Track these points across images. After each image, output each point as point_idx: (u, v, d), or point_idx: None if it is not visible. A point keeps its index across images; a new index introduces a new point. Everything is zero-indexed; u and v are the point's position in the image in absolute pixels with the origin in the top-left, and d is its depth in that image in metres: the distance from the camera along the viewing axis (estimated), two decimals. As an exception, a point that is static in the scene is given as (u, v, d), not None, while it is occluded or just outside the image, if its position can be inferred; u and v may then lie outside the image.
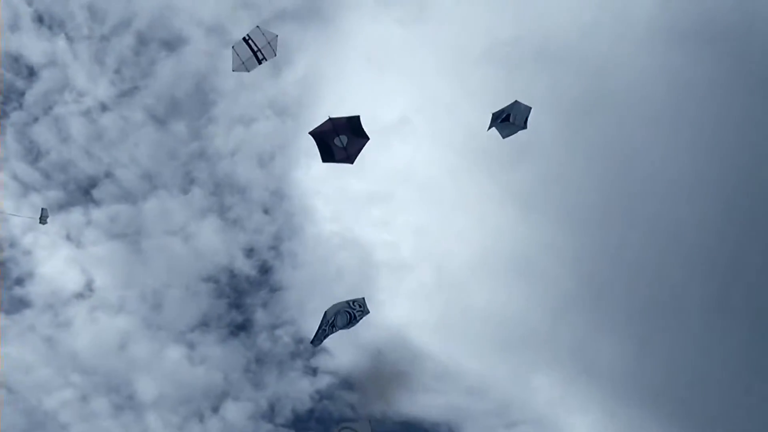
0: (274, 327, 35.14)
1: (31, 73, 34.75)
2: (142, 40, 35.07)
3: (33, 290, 34.04)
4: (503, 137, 25.82)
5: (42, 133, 34.69)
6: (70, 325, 34.23)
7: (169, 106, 35.15)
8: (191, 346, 34.69)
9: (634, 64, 36.64)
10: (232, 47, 24.04)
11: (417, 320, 34.58)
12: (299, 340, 35.20)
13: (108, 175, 34.87)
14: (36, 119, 34.76)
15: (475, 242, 35.75)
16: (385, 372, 33.80)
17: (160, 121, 35.18)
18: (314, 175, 35.51)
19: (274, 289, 35.53)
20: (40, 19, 34.69)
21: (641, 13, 36.87)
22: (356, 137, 23.43)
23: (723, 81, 36.58)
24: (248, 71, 24.60)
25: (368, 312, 24.04)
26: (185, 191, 35.22)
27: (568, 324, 35.49)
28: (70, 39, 34.76)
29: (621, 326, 35.71)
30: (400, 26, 35.60)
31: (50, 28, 34.77)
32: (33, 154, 34.62)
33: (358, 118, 23.10)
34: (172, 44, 35.27)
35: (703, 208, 36.31)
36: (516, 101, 24.81)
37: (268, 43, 24.05)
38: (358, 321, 24.03)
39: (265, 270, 35.53)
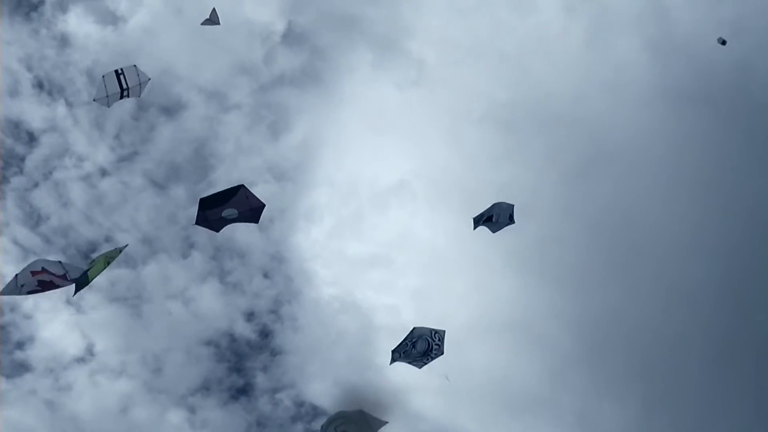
0: (274, 391, 35.03)
1: (32, 138, 34.93)
2: (142, 106, 35.29)
3: (33, 354, 33.88)
4: (493, 233, 25.44)
5: (42, 198, 34.79)
6: (70, 389, 34.09)
7: (168, 171, 35.32)
8: (192, 409, 34.53)
9: (631, 124, 36.92)
10: (102, 77, 22.88)
11: (417, 384, 34.31)
12: (300, 404, 35.09)
13: (108, 239, 34.86)
14: (36, 184, 34.88)
15: (474, 305, 35.69)
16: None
17: (159, 185, 35.36)
18: (314, 239, 35.67)
19: (275, 353, 35.47)
20: (40, 85, 35.00)
21: (637, 73, 37.27)
22: (231, 199, 20.87)
23: (721, 141, 36.80)
24: (108, 106, 23.49)
25: (443, 353, 22.97)
26: (185, 255, 35.32)
27: (569, 386, 35.34)
28: (69, 104, 35.06)
29: (623, 387, 35.55)
30: (397, 90, 36.04)
31: (50, 93, 35.06)
32: (33, 218, 34.69)
33: (201, 200, 20.91)
34: (171, 110, 35.56)
35: (704, 268, 36.33)
36: (497, 202, 24.76)
37: (139, 84, 23.07)
38: (432, 358, 23.02)
39: (265, 334, 35.50)
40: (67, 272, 20.03)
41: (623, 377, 35.64)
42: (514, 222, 24.76)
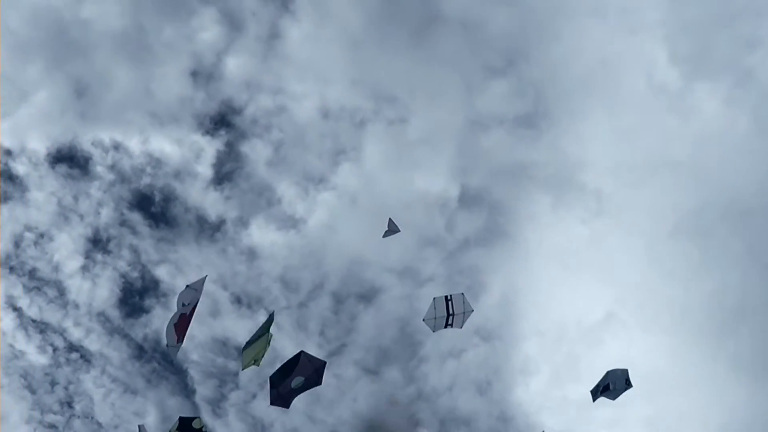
0: None
1: (240, 353, 35.72)
2: (339, 299, 35.95)
3: None
4: (612, 400, 25.41)
5: (262, 408, 35.46)
6: None
7: (378, 355, 35.61)
8: None
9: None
10: (434, 299, 24.07)
11: None
12: None
13: (334, 434, 35.29)
14: (254, 395, 35.63)
15: (712, 421, 34.49)
16: None
17: (372, 372, 35.63)
18: (534, 391, 35.22)
19: None
20: (238, 301, 36.01)
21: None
22: (295, 367, 21.63)
23: None
24: (433, 330, 24.53)
25: None
26: (412, 434, 35.28)
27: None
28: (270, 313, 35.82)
29: None
30: (582, 224, 35.77)
31: (249, 306, 36.00)
32: (258, 429, 35.36)
33: (271, 378, 21.89)
34: (368, 296, 36.01)
35: None
36: (610, 371, 24.89)
37: (463, 312, 24.17)
38: None
39: (507, 498, 35.08)
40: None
41: None
42: (631, 386, 25.03)
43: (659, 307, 35.10)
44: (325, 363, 21.78)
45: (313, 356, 21.66)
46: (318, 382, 22.04)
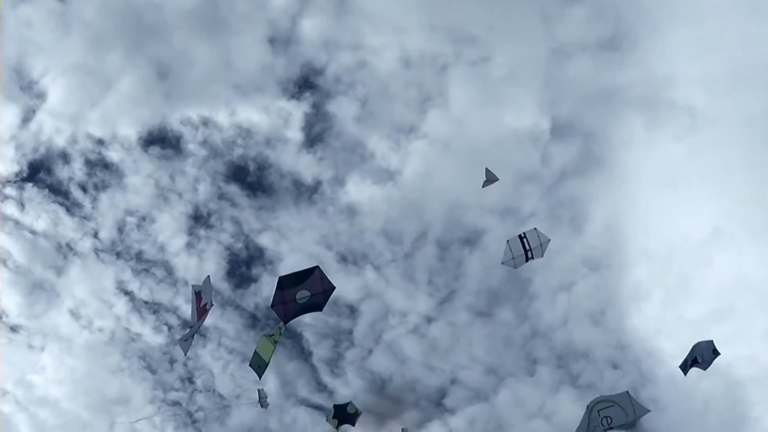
0: (658, 481, 34.16)
1: (352, 310, 36.18)
2: (443, 246, 36.07)
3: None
4: (704, 370, 25.38)
5: (380, 362, 35.85)
6: None
7: (488, 297, 35.69)
8: None
9: None
10: (507, 241, 24.28)
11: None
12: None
13: (454, 381, 35.44)
14: (370, 351, 36.00)
15: (835, 327, 33.98)
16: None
17: (485, 314, 35.75)
18: (648, 316, 34.97)
19: (647, 441, 34.73)
20: (344, 259, 36.41)
21: None
22: (306, 279, 21.45)
23: None
24: (515, 268, 24.68)
25: None
26: (531, 373, 35.33)
27: None
28: (376, 267, 36.09)
29: None
30: (677, 142, 35.28)
31: (355, 263, 36.33)
32: (377, 383, 35.64)
33: (279, 278, 21.59)
34: (472, 240, 36.11)
35: None
36: (696, 344, 25.03)
37: (540, 244, 24.30)
38: None
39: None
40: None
41: None
42: (719, 353, 25.03)
43: (767, 216, 34.58)
44: (334, 288, 21.65)
45: (326, 276, 21.60)
46: (320, 307, 21.83)
